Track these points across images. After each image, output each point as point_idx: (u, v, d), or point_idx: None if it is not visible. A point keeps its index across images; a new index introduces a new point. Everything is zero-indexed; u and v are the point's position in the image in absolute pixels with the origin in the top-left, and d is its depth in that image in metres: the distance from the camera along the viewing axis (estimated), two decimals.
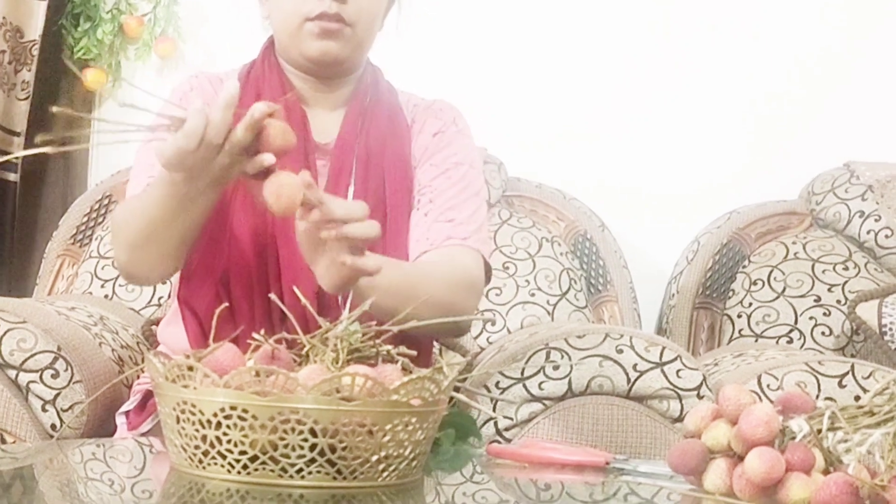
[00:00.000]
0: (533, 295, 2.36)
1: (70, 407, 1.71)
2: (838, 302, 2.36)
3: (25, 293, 2.43)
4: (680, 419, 1.70)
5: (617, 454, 1.41)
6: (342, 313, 1.26)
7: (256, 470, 1.07)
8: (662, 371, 1.71)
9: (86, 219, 2.43)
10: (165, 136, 1.36)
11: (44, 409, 1.71)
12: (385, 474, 1.11)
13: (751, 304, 2.41)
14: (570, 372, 1.70)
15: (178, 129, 1.29)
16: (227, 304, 1.42)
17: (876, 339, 2.17)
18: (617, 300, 2.43)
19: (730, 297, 2.44)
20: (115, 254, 1.59)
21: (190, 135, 1.28)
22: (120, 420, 1.69)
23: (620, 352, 1.71)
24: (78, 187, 2.67)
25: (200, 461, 1.09)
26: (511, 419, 1.71)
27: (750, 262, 2.47)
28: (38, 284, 2.42)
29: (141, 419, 1.62)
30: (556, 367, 1.70)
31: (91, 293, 2.32)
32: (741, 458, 1.14)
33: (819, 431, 1.13)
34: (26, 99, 2.59)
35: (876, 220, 2.44)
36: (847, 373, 1.78)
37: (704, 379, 1.72)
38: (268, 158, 1.26)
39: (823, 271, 2.41)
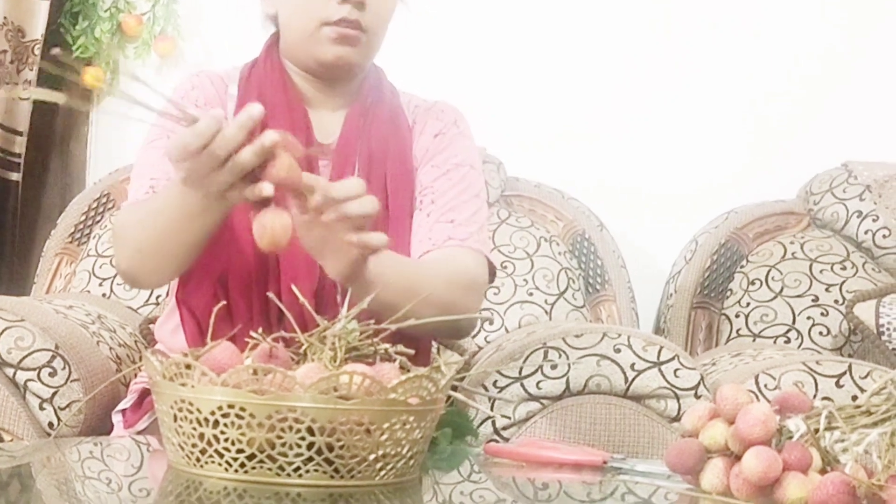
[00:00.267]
0: (531, 294, 2.36)
1: (67, 405, 1.71)
2: (836, 302, 2.36)
3: (27, 292, 2.43)
4: (677, 419, 1.70)
5: (614, 453, 1.41)
6: (340, 312, 1.25)
7: (254, 468, 1.07)
8: (660, 370, 1.71)
9: (84, 217, 2.43)
10: (173, 130, 1.37)
11: (41, 408, 1.71)
12: (382, 473, 1.11)
13: (748, 304, 2.41)
14: (568, 371, 1.71)
15: (189, 125, 1.28)
16: (224, 302, 1.41)
17: (873, 338, 2.17)
18: (615, 300, 2.43)
19: (728, 297, 2.44)
20: (117, 258, 1.58)
21: (198, 135, 1.26)
22: (116, 418, 1.69)
23: (618, 351, 1.71)
24: (76, 186, 2.67)
25: (198, 459, 1.09)
26: (509, 418, 1.71)
27: (748, 261, 2.47)
28: (36, 283, 2.42)
29: (137, 417, 1.62)
30: (553, 367, 1.70)
31: (89, 291, 2.32)
32: (738, 458, 1.14)
33: (816, 431, 1.13)
34: (28, 99, 2.59)
35: (874, 220, 2.44)
36: (844, 373, 1.78)
37: (702, 378, 1.73)
38: (267, 188, 1.24)
39: (821, 271, 2.41)
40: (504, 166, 2.51)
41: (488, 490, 1.33)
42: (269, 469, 1.07)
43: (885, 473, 1.06)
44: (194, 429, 1.09)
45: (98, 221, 2.42)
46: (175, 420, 1.10)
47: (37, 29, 2.58)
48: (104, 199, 2.44)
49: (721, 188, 2.63)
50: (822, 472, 1.12)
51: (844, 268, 2.41)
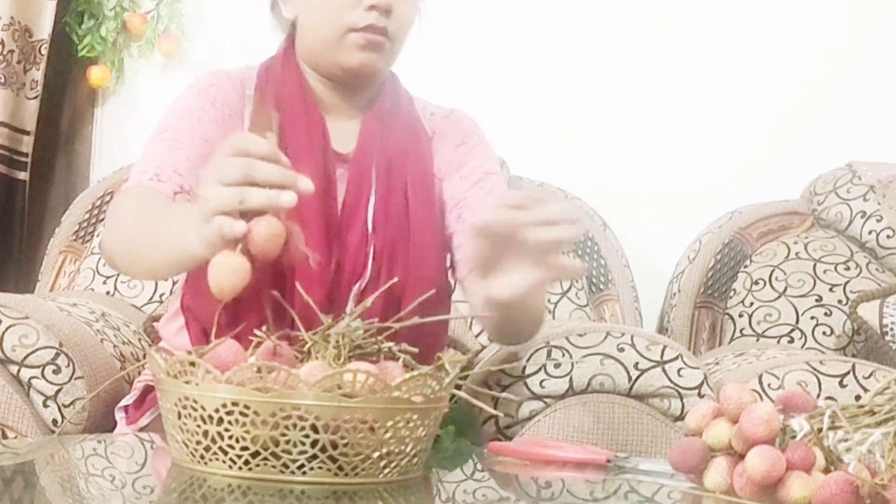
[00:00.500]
0: None
1: (71, 403, 1.72)
2: (839, 302, 2.36)
3: (34, 290, 2.44)
4: (681, 418, 1.70)
5: (618, 452, 1.41)
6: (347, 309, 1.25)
7: (258, 466, 1.07)
8: (663, 370, 1.71)
9: (88, 215, 2.43)
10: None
11: (45, 405, 1.72)
12: (386, 471, 1.11)
13: (752, 304, 2.41)
14: (572, 370, 1.70)
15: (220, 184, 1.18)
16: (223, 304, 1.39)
17: (877, 339, 2.17)
18: (618, 299, 2.43)
19: (731, 297, 2.44)
20: (105, 237, 1.56)
21: (261, 145, 1.18)
22: (119, 415, 1.69)
23: (622, 350, 1.71)
24: (80, 184, 2.68)
25: (202, 457, 1.10)
26: (512, 417, 1.71)
27: (751, 261, 2.47)
28: (40, 281, 2.42)
29: (139, 413, 1.62)
30: (557, 366, 1.70)
31: (93, 289, 2.32)
32: (742, 457, 1.14)
33: (820, 430, 1.13)
34: (35, 98, 2.60)
35: (878, 221, 2.44)
36: (848, 372, 1.78)
37: (705, 378, 1.72)
38: (238, 229, 1.15)
39: (825, 271, 2.41)
40: (507, 166, 2.51)
41: (491, 488, 1.33)
42: (273, 466, 1.07)
43: (889, 473, 1.06)
44: (198, 426, 1.09)
45: (102, 220, 2.42)
46: (179, 417, 1.11)
47: (44, 29, 2.59)
48: (108, 198, 2.44)
49: (725, 188, 2.63)
50: (826, 471, 1.12)
51: (848, 268, 2.41)
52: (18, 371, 1.72)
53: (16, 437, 1.69)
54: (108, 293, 2.31)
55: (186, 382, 1.09)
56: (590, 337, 1.73)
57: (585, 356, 1.70)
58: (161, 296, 2.30)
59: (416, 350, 1.22)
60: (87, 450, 1.39)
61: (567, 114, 2.67)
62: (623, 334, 1.73)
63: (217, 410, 1.07)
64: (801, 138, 2.66)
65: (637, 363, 1.71)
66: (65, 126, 2.71)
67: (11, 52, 2.55)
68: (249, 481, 1.07)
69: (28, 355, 1.71)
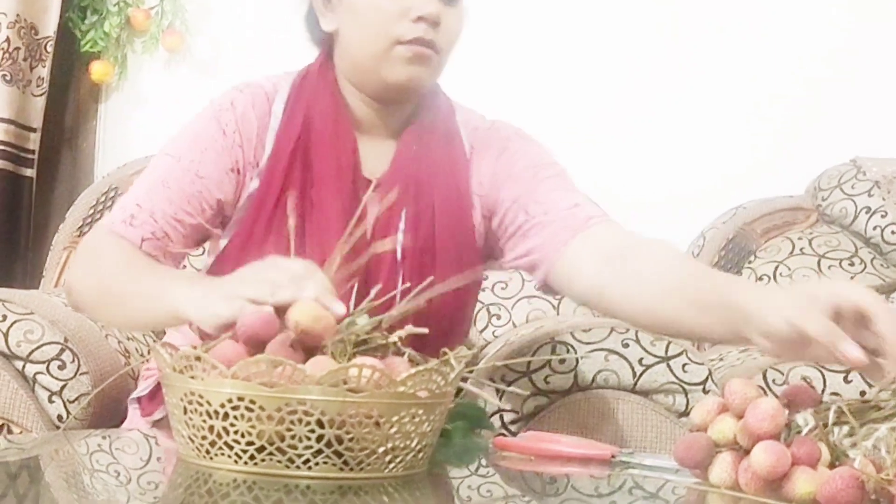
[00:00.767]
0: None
1: (76, 398, 1.72)
2: None
3: (40, 286, 2.44)
4: (685, 413, 1.70)
5: (622, 448, 1.41)
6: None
7: (263, 461, 1.08)
8: (668, 365, 1.71)
9: (92, 211, 2.43)
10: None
11: (50, 400, 1.72)
12: (391, 466, 1.11)
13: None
14: (576, 366, 1.71)
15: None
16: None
17: None
18: None
19: None
20: (73, 274, 1.55)
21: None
22: (132, 406, 1.67)
23: (626, 346, 1.71)
24: (84, 180, 2.68)
25: (207, 452, 1.10)
26: (517, 412, 1.71)
27: (756, 257, 2.46)
28: (45, 276, 2.42)
29: (154, 406, 1.60)
30: (561, 361, 1.70)
31: None
32: (747, 452, 1.14)
33: (825, 426, 1.13)
34: (41, 95, 2.60)
35: (882, 216, 2.44)
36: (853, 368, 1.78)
37: (710, 373, 1.73)
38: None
39: (829, 267, 2.41)
40: None
41: (496, 484, 1.33)
42: (279, 461, 1.07)
43: (894, 468, 1.06)
44: (204, 421, 1.09)
45: (106, 215, 2.42)
46: (185, 412, 1.11)
47: (49, 26, 2.60)
48: (112, 193, 2.44)
49: (729, 184, 2.63)
50: (831, 466, 1.11)
51: (853, 264, 2.41)
52: (24, 366, 1.72)
53: (21, 433, 1.70)
54: None
55: (192, 377, 1.09)
56: (594, 332, 1.73)
57: (590, 352, 1.71)
58: None
59: (425, 330, 1.21)
60: (93, 445, 1.39)
61: (572, 114, 2.67)
62: (627, 330, 1.73)
63: (223, 405, 1.07)
64: (806, 134, 2.66)
65: (642, 359, 1.71)
66: (69, 122, 2.72)
67: (17, 49, 2.55)
68: (255, 476, 1.07)
69: (33, 351, 1.72)
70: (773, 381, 1.79)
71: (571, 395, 1.72)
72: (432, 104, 1.62)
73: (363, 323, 1.18)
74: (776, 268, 2.43)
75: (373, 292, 1.22)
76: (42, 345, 1.72)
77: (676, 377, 1.71)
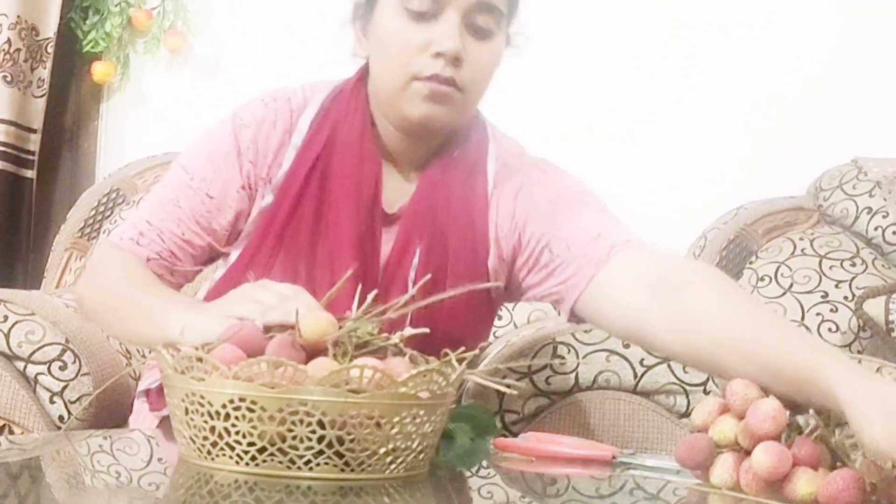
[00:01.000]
0: None
1: (78, 399, 1.72)
2: (845, 298, 2.36)
3: (41, 287, 2.45)
4: (686, 414, 1.70)
5: (623, 449, 1.41)
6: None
7: (265, 461, 1.08)
8: (669, 366, 1.71)
9: (93, 212, 2.44)
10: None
11: (51, 401, 1.72)
12: (393, 466, 1.11)
13: (758, 300, 2.41)
14: (577, 367, 1.71)
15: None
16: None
17: (883, 335, 2.17)
18: None
19: None
20: (82, 284, 1.59)
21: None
22: (139, 399, 1.66)
23: (627, 347, 1.71)
24: (85, 181, 2.68)
25: (209, 452, 1.10)
26: (518, 413, 1.71)
27: (757, 257, 2.46)
28: (46, 277, 2.43)
29: (163, 402, 1.58)
30: (563, 362, 1.70)
31: None
32: (748, 453, 1.14)
33: (826, 427, 1.13)
34: (42, 96, 2.61)
35: (884, 217, 2.44)
36: None
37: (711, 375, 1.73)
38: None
39: (831, 267, 2.41)
40: None
41: (497, 485, 1.33)
42: (280, 462, 1.07)
43: (895, 469, 1.06)
44: (205, 422, 1.09)
45: (108, 216, 2.42)
46: (186, 413, 1.11)
47: (50, 27, 2.60)
48: (113, 194, 2.44)
49: (730, 185, 2.62)
50: (832, 467, 1.12)
51: (854, 264, 2.41)
52: (25, 367, 1.72)
53: (22, 433, 1.70)
54: None
55: (193, 378, 1.10)
56: (595, 333, 1.73)
57: (591, 353, 1.71)
58: None
59: (426, 330, 1.21)
60: (94, 446, 1.39)
61: (572, 114, 2.67)
62: None
63: (224, 406, 1.07)
64: (807, 135, 2.66)
65: (643, 359, 1.71)
66: (70, 122, 2.72)
67: (18, 50, 2.56)
68: (256, 477, 1.07)
69: (34, 351, 1.72)
70: None
71: (572, 396, 1.72)
72: (465, 136, 1.56)
73: (366, 328, 1.18)
74: (777, 268, 2.43)
75: (369, 298, 1.22)
76: (43, 345, 1.72)
77: (677, 378, 1.71)
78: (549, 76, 2.68)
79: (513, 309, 2.33)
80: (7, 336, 1.72)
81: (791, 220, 2.52)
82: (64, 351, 1.72)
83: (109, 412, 1.76)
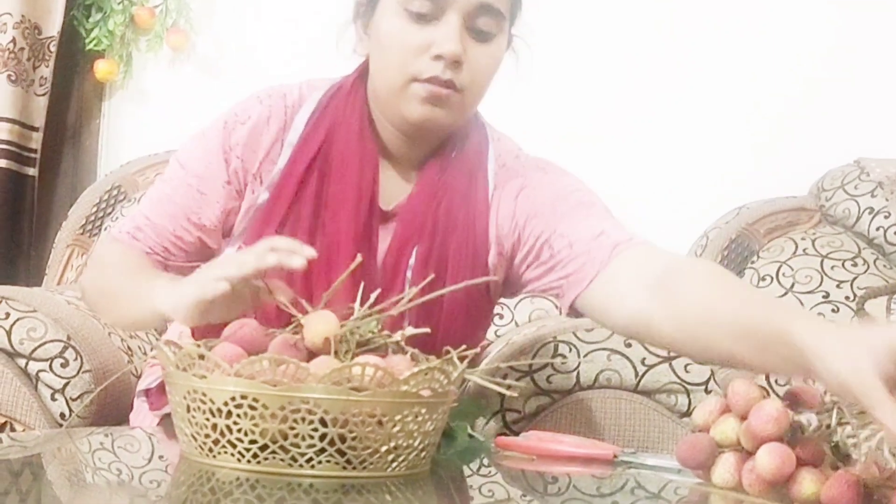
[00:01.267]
0: None
1: (79, 396, 1.72)
2: (847, 298, 2.36)
3: (42, 284, 2.45)
4: (688, 414, 1.70)
5: (625, 448, 1.41)
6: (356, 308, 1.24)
7: (266, 459, 1.08)
8: (671, 365, 1.71)
9: (95, 209, 2.44)
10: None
11: (53, 398, 1.72)
12: (394, 464, 1.11)
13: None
14: (579, 365, 1.71)
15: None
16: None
17: None
18: None
19: None
20: (86, 276, 1.62)
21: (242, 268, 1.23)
22: (139, 399, 1.67)
23: (629, 346, 1.71)
24: (87, 178, 2.68)
25: (210, 450, 1.10)
26: (519, 412, 1.71)
27: (759, 257, 2.46)
28: (48, 274, 2.43)
29: (163, 401, 1.59)
30: (564, 361, 1.70)
31: None
32: (750, 453, 1.14)
33: (828, 426, 1.13)
34: (44, 95, 2.61)
35: (885, 217, 2.44)
36: None
37: (712, 373, 1.73)
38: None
39: (832, 267, 2.41)
40: None
41: (498, 483, 1.33)
42: (282, 460, 1.08)
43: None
44: (207, 419, 1.09)
45: (109, 213, 2.42)
46: (188, 410, 1.11)
47: (53, 26, 2.60)
48: (115, 192, 2.44)
49: (732, 184, 2.62)
50: (835, 467, 1.12)
51: (856, 264, 2.41)
52: (26, 364, 1.72)
53: (23, 431, 1.70)
54: None
55: (195, 375, 1.10)
56: (597, 332, 1.73)
57: (592, 351, 1.71)
58: None
59: (427, 330, 1.21)
60: (95, 443, 1.39)
61: (572, 114, 2.67)
62: None
63: (226, 403, 1.07)
64: (809, 135, 2.65)
65: (644, 358, 1.71)
66: (72, 120, 2.72)
67: (21, 49, 2.56)
68: (258, 474, 1.07)
69: (36, 349, 1.72)
70: (776, 381, 1.79)
71: (574, 395, 1.72)
72: (464, 136, 1.56)
73: (368, 326, 1.18)
74: (779, 268, 2.43)
75: (372, 297, 1.22)
76: (45, 342, 1.72)
77: (679, 377, 1.71)
78: (548, 76, 2.67)
79: (514, 308, 2.33)
80: (9, 333, 1.72)
81: (793, 220, 2.52)
82: (65, 348, 1.72)
83: (111, 409, 1.76)
